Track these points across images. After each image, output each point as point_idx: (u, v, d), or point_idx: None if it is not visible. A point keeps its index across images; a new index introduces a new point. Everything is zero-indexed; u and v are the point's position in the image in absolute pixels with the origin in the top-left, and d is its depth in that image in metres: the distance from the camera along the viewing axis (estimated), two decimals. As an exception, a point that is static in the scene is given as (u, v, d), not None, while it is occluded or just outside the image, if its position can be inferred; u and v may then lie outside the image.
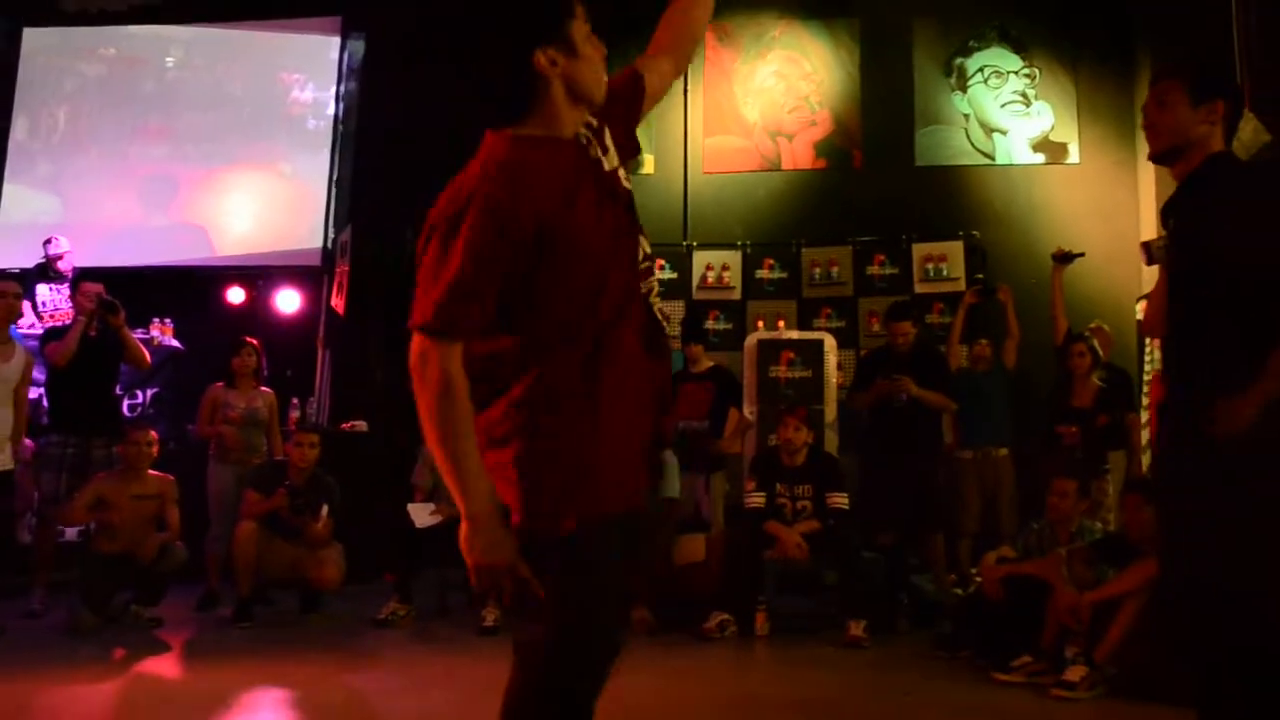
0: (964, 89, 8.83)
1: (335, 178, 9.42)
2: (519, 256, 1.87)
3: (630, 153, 2.16)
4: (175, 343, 8.45)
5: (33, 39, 9.94)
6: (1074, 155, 8.66)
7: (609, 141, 2.09)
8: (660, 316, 2.13)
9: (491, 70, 1.96)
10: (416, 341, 1.87)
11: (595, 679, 1.97)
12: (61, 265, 8.42)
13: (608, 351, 1.95)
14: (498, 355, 1.93)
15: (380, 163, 9.17)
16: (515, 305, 1.90)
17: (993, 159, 8.73)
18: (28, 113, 9.88)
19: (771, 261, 8.66)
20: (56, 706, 4.11)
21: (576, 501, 1.90)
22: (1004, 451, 6.61)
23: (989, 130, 8.76)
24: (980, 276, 7.96)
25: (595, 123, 2.06)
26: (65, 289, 7.99)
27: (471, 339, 1.89)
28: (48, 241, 8.51)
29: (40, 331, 7.19)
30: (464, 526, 1.88)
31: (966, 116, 8.80)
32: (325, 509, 6.03)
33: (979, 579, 5.27)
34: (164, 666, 4.96)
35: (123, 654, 5.09)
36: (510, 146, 1.95)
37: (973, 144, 8.76)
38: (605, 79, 2.05)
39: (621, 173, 2.12)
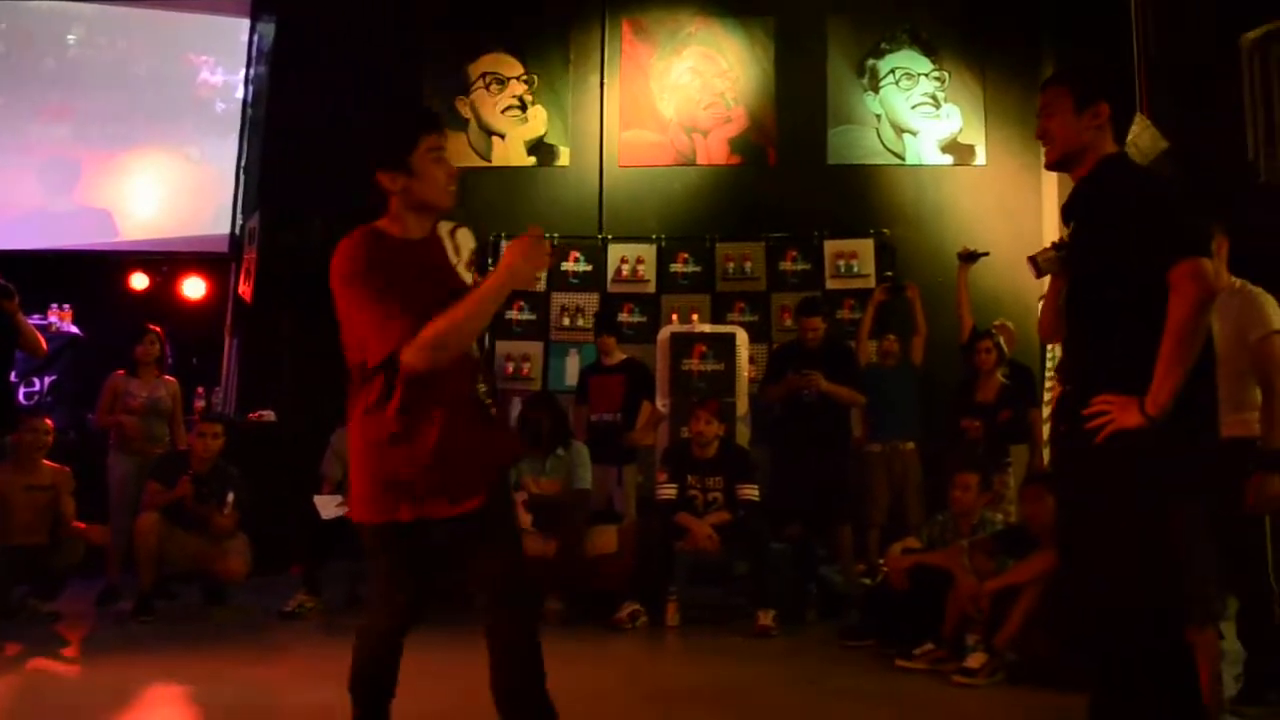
0: (876, 89, 8.96)
1: (243, 163, 9.21)
2: None
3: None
4: (74, 329, 8.20)
5: (-76, 12, 9.55)
6: (980, 157, 8.85)
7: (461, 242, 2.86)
8: (488, 400, 2.77)
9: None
10: None
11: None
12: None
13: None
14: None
15: (289, 148, 8.98)
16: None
17: (903, 159, 8.88)
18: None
19: (686, 255, 8.70)
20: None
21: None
22: (911, 445, 6.75)
23: (900, 131, 8.91)
24: (889, 274, 8.14)
25: (453, 226, 2.82)
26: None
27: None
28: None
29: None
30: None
31: (878, 117, 8.93)
32: (231, 498, 5.91)
33: (886, 569, 5.37)
34: (61, 662, 4.82)
35: (18, 649, 4.92)
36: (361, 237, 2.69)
37: (884, 144, 8.90)
38: (452, 189, 2.76)
39: (465, 271, 2.85)
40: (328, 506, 5.92)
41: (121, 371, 6.47)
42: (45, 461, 5.86)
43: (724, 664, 4.90)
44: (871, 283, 8.24)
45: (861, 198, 8.77)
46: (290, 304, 8.46)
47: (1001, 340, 6.39)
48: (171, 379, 6.61)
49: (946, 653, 4.62)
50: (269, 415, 7.90)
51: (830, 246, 8.54)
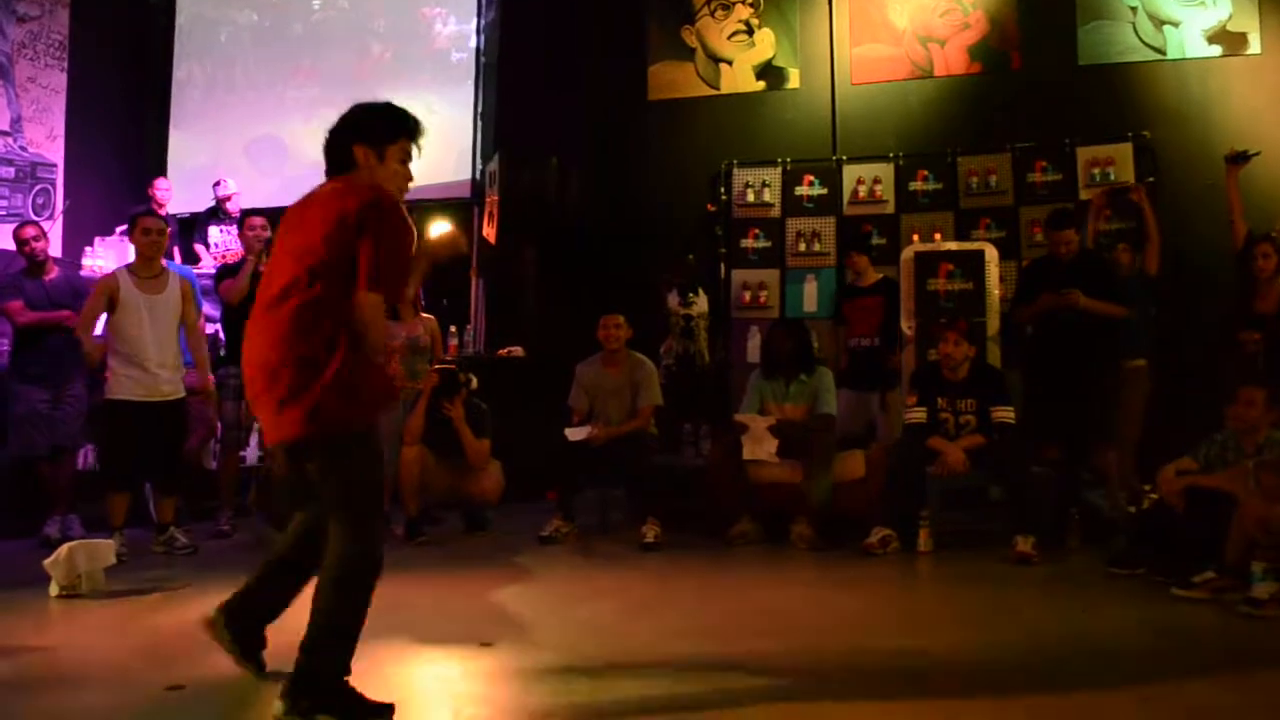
0: (1130, -21, 8.29)
1: (480, 110, 9.50)
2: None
3: None
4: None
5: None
6: (1254, 45, 8.03)
7: None
8: None
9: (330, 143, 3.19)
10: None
11: None
12: (230, 206, 8.77)
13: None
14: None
15: (522, 92, 9.22)
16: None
17: (1163, 53, 8.18)
18: (187, 63, 10.27)
19: (925, 173, 8.38)
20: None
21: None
22: (1141, 363, 6.33)
23: (1159, 23, 8.21)
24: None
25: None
26: (234, 229, 8.33)
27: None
28: (216, 184, 8.88)
29: (214, 271, 7.52)
30: None
31: (1134, 9, 8.25)
32: (469, 385, 6.30)
33: (1152, 495, 5.07)
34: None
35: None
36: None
37: (1141, 38, 8.23)
38: (406, 188, 3.19)
39: None
40: (576, 434, 6.12)
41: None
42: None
43: (981, 591, 4.76)
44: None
45: (1117, 99, 8.16)
46: (532, 242, 8.74)
47: (1280, 245, 5.83)
48: (429, 316, 6.94)
49: (1230, 581, 4.31)
50: (518, 351, 8.20)
51: (1083, 153, 8.00)
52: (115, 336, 5.69)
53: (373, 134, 3.15)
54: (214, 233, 8.73)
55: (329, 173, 3.17)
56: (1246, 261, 5.91)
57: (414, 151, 3.22)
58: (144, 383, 5.67)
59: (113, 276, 5.85)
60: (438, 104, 9.69)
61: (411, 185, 3.23)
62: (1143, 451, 6.19)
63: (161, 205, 8.42)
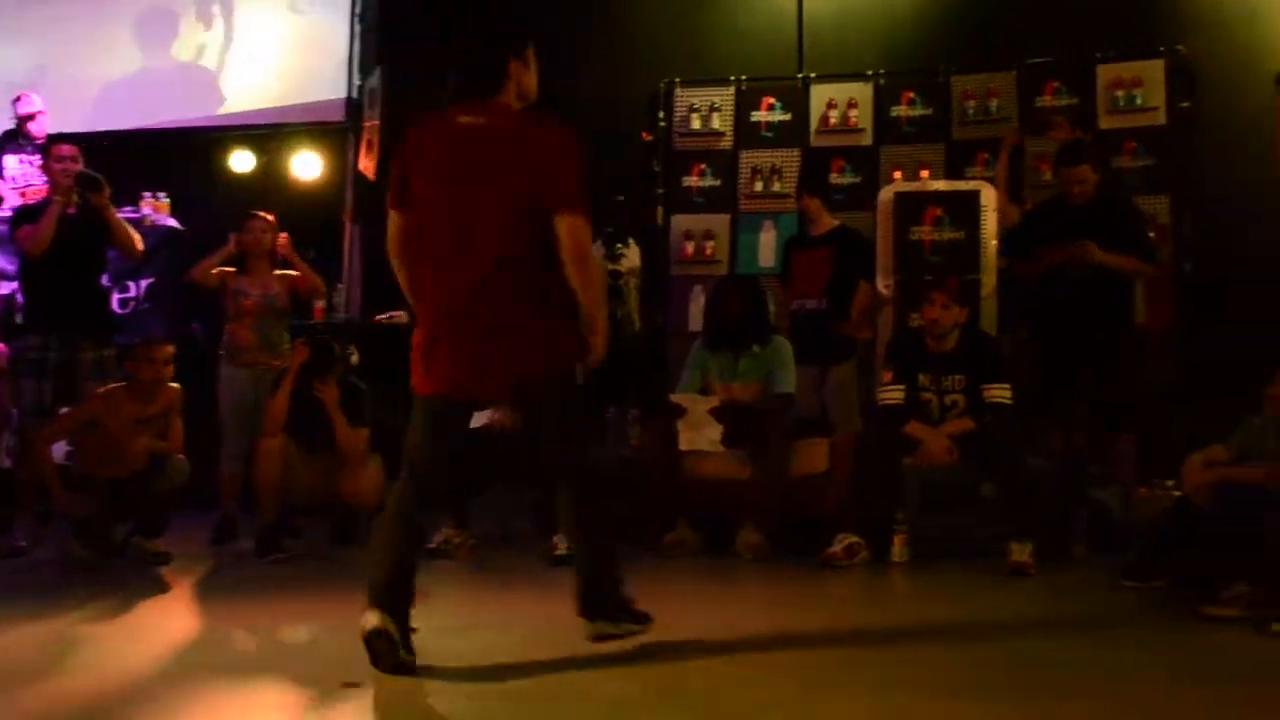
0: None
1: (359, 11, 9.39)
2: None
3: None
4: (172, 221, 8.59)
5: None
6: (1314, -60, 8.19)
7: None
8: None
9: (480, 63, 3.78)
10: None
11: None
12: (33, 128, 8.55)
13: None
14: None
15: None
16: None
17: (1203, -50, 8.32)
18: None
19: (911, 95, 8.46)
20: (37, 663, 4.22)
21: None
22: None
23: (1198, -89, 8.33)
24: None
25: None
26: (38, 159, 8.15)
27: None
28: (17, 100, 8.65)
29: (9, 213, 7.36)
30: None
31: (1167, -107, 8.38)
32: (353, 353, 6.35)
33: (1175, 490, 5.17)
34: (173, 610, 5.10)
35: (122, 596, 5.21)
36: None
37: (1176, -68, 8.36)
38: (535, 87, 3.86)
39: None
40: (475, 419, 6.08)
41: (233, 270, 6.77)
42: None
43: (966, 610, 4.82)
44: (1161, 118, 7.82)
45: (1145, 5, 8.29)
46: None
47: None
48: (291, 273, 6.89)
49: (1268, 596, 4.41)
50: (400, 316, 8.13)
51: (1104, 72, 8.10)
52: None
53: (516, 42, 3.81)
54: (10, 163, 8.52)
55: (471, 94, 3.74)
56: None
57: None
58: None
59: None
60: (305, 3, 9.57)
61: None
62: (1165, 439, 6.32)
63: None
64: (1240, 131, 7.50)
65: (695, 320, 7.98)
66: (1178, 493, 5.16)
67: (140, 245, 6.96)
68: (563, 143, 3.69)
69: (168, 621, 4.85)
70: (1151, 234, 6.77)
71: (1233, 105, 7.71)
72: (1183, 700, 3.50)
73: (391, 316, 8.16)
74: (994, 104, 8.29)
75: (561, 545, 5.70)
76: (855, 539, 5.58)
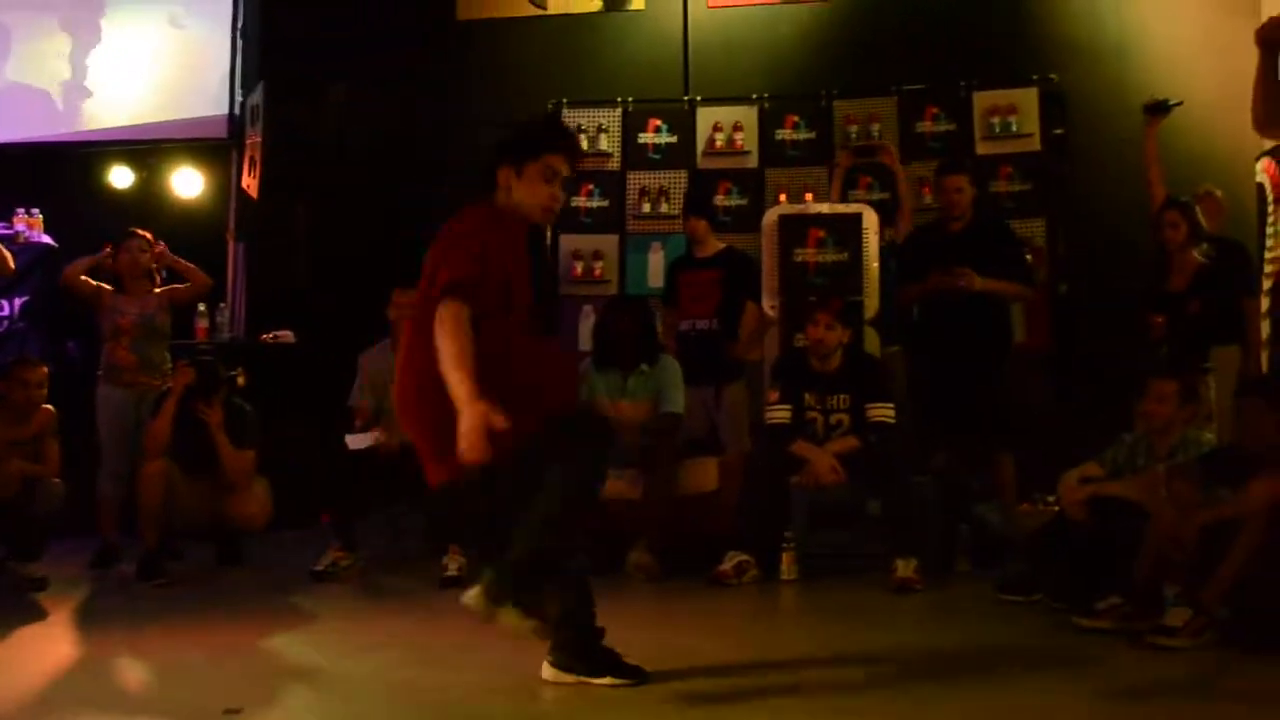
0: (1038, -111, 8.63)
1: (241, 26, 9.26)
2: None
3: None
4: (46, 239, 8.38)
5: None
6: (1179, -26, 8.49)
7: None
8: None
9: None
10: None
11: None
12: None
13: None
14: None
15: (296, 4, 9.03)
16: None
17: (1075, -20, 8.57)
18: None
19: (796, 118, 8.54)
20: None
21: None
22: (894, 349, 6.78)
23: (1070, -55, 8.59)
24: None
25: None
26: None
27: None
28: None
29: None
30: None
31: (1041, -72, 8.62)
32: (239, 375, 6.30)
33: (1054, 505, 5.30)
34: (50, 638, 4.96)
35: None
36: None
37: (1050, -37, 8.60)
38: (553, 210, 3.79)
39: None
40: (359, 440, 6.04)
41: (110, 288, 6.64)
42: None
43: (853, 627, 4.90)
44: (1035, 144, 8.04)
45: (1021, 35, 8.50)
46: (306, 197, 8.55)
47: (1199, 211, 6.14)
48: (174, 286, 6.81)
49: (1138, 608, 4.54)
50: (286, 336, 8.04)
51: (981, 99, 8.29)
52: None
53: (512, 150, 3.68)
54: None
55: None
56: (1156, 231, 6.22)
57: (562, 167, 3.71)
58: None
59: None
60: (186, 16, 9.40)
61: (555, 206, 3.76)
62: (1044, 457, 6.48)
63: None
64: (1111, 156, 7.71)
65: (584, 340, 7.98)
66: (1057, 508, 5.27)
67: (12, 263, 6.80)
68: (444, 234, 3.64)
69: (44, 648, 4.71)
70: (1029, 256, 7.01)
71: (1103, 132, 7.90)
72: (1057, 706, 3.66)
73: (277, 336, 8.06)
74: (875, 128, 8.38)
75: (451, 566, 5.69)
76: (745, 557, 5.64)
